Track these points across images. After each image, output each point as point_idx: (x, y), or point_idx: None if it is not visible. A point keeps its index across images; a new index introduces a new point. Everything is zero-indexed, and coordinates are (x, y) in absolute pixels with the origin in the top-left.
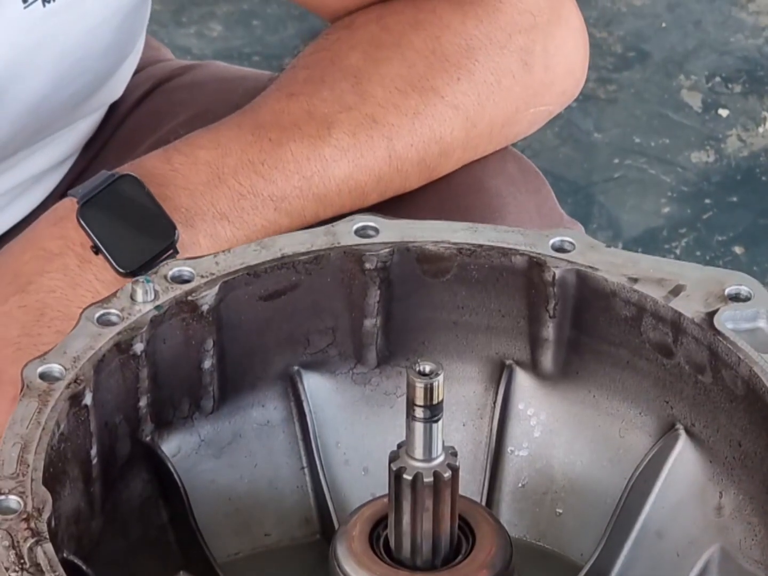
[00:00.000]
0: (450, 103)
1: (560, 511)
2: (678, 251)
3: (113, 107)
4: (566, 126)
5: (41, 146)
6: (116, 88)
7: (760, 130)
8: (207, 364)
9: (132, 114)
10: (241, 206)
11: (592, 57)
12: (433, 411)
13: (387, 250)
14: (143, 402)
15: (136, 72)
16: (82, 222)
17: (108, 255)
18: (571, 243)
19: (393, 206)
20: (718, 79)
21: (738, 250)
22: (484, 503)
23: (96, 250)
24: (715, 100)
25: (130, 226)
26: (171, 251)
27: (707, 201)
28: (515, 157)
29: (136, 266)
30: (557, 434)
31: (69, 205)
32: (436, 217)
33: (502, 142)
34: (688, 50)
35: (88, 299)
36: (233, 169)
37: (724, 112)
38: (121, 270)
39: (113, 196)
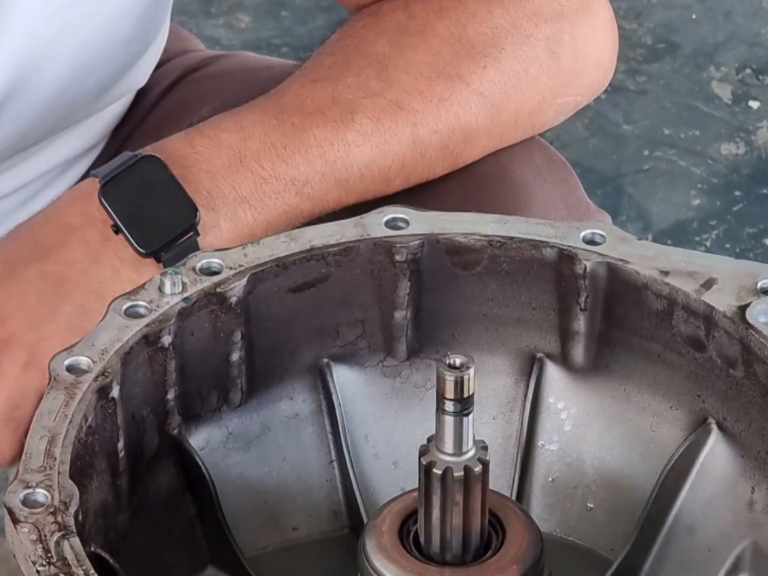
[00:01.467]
0: (476, 90)
1: (591, 505)
2: (708, 243)
3: (142, 96)
4: (595, 118)
5: (67, 132)
6: (139, 76)
7: None
8: (235, 356)
9: (160, 103)
10: (263, 190)
11: (622, 48)
12: (464, 404)
13: (417, 242)
14: (171, 395)
15: (166, 62)
16: (103, 201)
17: (128, 235)
18: (602, 236)
19: (418, 195)
20: (748, 70)
21: None
22: (514, 497)
23: (116, 230)
24: (746, 92)
25: (152, 207)
26: (192, 233)
27: (737, 193)
28: (542, 146)
29: (156, 247)
30: (588, 428)
31: (91, 184)
32: (461, 206)
33: (528, 131)
34: (719, 42)
35: (108, 275)
36: (256, 152)
37: (754, 104)
38: (141, 250)
39: (135, 176)
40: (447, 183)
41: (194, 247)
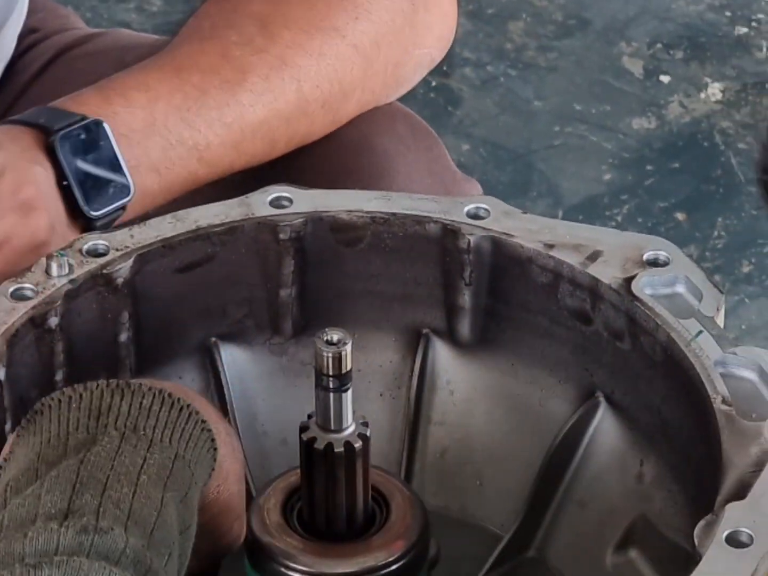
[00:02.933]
0: (350, 42)
1: (480, 481)
2: (619, 218)
3: (17, 74)
4: (506, 94)
5: None
6: (2, 50)
7: (702, 96)
8: (123, 336)
9: (35, 82)
10: (170, 157)
11: (533, 25)
12: (342, 380)
13: (300, 220)
14: (59, 376)
15: (42, 40)
16: (60, 154)
17: (78, 193)
18: (486, 210)
19: (281, 168)
20: (659, 45)
21: (680, 216)
22: (403, 474)
23: (66, 186)
24: (657, 67)
25: (98, 173)
26: (122, 211)
27: (649, 167)
28: (405, 115)
29: (102, 211)
30: (476, 404)
31: (30, 135)
32: (323, 179)
33: (393, 85)
34: (629, 17)
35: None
36: (164, 114)
37: (665, 79)
38: (89, 212)
39: (87, 138)
40: (308, 156)
41: (113, 221)
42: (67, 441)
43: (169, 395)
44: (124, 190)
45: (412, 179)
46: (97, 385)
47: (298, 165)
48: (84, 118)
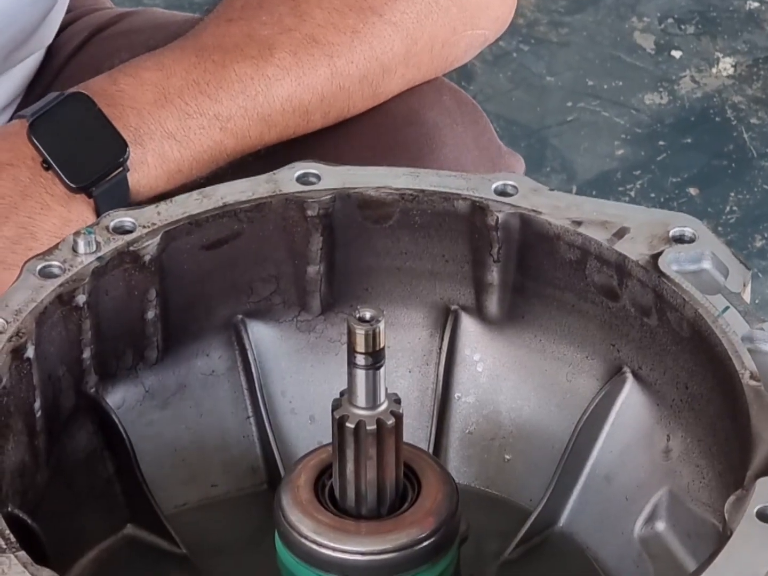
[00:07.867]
0: (389, 20)
1: (508, 457)
2: (632, 193)
3: (52, 55)
4: (519, 70)
5: None
6: (47, 34)
7: (713, 71)
8: (150, 314)
9: (70, 62)
10: (188, 126)
11: (545, 0)
12: (375, 358)
13: (328, 196)
14: (87, 354)
15: (75, 20)
16: (32, 137)
17: (58, 170)
18: (513, 187)
19: (330, 140)
20: (670, 20)
21: (692, 191)
22: (431, 450)
23: (47, 166)
24: (668, 42)
25: (81, 143)
26: (121, 169)
27: (661, 143)
28: (452, 89)
29: (87, 182)
30: (504, 379)
31: (19, 123)
32: (372, 151)
33: (442, 63)
34: None
35: (37, 210)
36: (179, 89)
37: (677, 54)
38: (71, 185)
39: (64, 113)
40: (358, 127)
41: (124, 183)
42: None
43: None
44: (118, 151)
45: (460, 152)
46: None
47: (347, 138)
48: (61, 94)
